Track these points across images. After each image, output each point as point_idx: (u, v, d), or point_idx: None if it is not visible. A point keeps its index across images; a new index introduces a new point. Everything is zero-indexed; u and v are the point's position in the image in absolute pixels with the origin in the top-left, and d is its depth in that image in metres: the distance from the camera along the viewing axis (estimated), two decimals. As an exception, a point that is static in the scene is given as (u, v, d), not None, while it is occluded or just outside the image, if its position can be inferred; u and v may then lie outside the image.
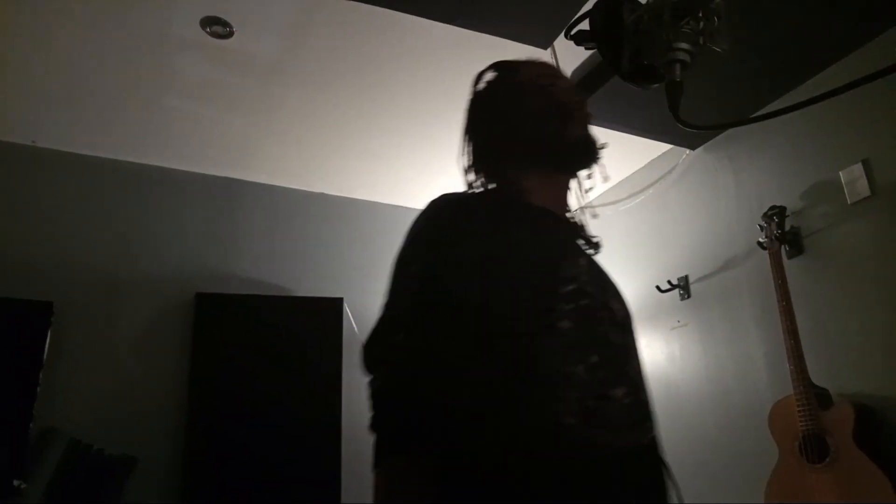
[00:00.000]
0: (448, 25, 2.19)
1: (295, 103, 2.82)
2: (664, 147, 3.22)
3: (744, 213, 2.80)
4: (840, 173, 2.43)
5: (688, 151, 3.16)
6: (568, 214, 1.06)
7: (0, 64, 2.46)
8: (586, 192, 1.08)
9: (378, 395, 0.84)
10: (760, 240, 2.56)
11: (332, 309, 3.19)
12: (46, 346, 2.62)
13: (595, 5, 0.89)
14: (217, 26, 2.28)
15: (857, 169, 2.37)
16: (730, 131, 2.95)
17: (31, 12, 2.21)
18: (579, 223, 1.06)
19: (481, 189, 1.03)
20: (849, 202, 2.39)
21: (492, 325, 0.85)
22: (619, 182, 3.45)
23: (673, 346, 3.05)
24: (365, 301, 3.33)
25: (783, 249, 2.51)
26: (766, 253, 2.50)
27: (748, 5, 2.08)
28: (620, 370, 0.86)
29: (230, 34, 2.33)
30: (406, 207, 3.66)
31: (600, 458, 0.79)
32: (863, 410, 2.14)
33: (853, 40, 2.32)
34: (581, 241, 1.02)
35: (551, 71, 1.05)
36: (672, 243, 3.13)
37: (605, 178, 1.07)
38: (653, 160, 3.32)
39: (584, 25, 0.95)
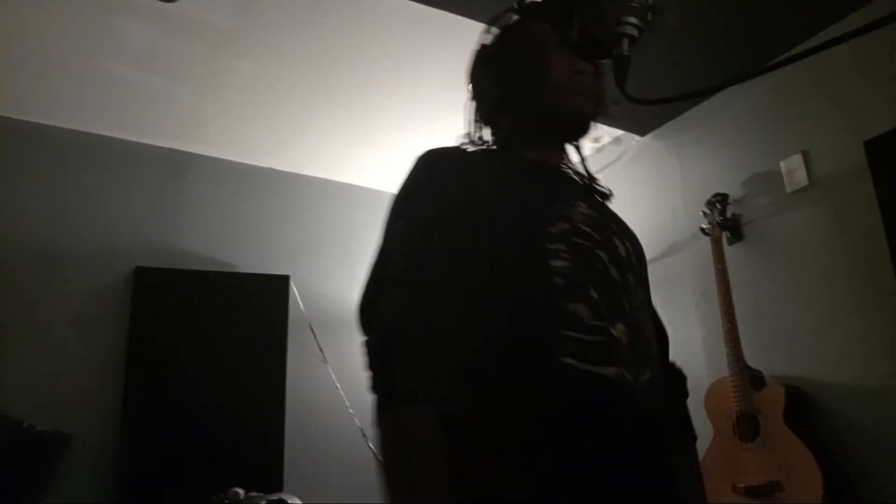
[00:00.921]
0: (408, 1, 2.16)
1: (245, 75, 2.74)
2: (614, 133, 3.26)
3: (688, 200, 2.86)
4: (780, 163, 2.51)
5: (637, 138, 3.21)
6: (569, 167, 1.07)
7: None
8: (581, 155, 1.11)
9: (376, 354, 0.81)
10: (703, 226, 2.63)
11: (277, 286, 3.13)
12: (-27, 318, 2.49)
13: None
14: (161, -12, 2.18)
15: (797, 159, 2.45)
16: (676, 120, 3.01)
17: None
18: (582, 174, 1.07)
19: (475, 146, 1.05)
20: (788, 191, 2.47)
21: (487, 270, 0.85)
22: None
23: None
24: (312, 279, 3.29)
25: (724, 236, 2.58)
26: (708, 239, 2.57)
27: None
28: (619, 306, 0.86)
29: (175, -3, 2.23)
30: (356, 186, 3.62)
31: (602, 393, 0.79)
32: (793, 392, 2.24)
33: (804, 32, 2.37)
34: (581, 190, 1.02)
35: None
36: (619, 228, 3.19)
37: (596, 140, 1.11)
38: (603, 146, 3.37)
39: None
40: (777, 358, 2.41)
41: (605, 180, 1.12)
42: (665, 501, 0.81)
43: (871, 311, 2.18)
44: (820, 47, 0.64)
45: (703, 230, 2.62)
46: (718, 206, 2.60)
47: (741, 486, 2.18)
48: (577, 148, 1.10)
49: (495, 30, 1.07)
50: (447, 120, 2.82)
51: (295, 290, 3.18)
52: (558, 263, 0.83)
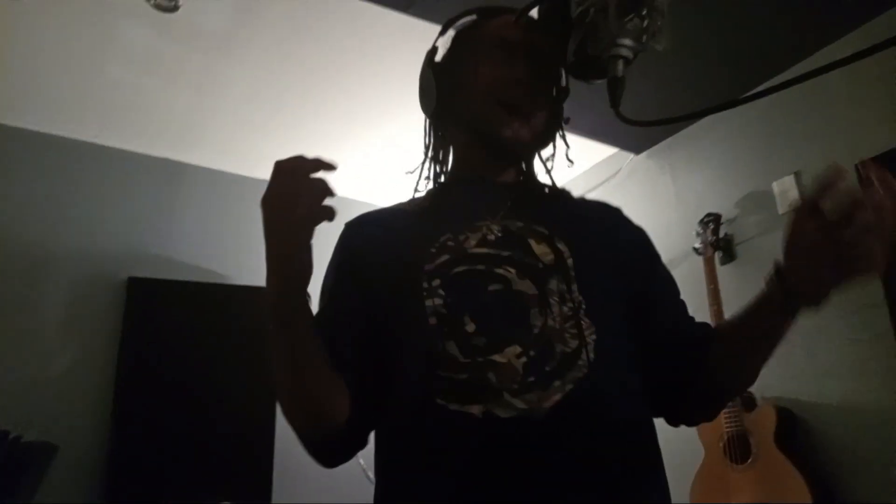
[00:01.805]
0: (402, 14, 2.17)
1: (243, 83, 2.74)
2: (609, 151, 3.28)
3: (681, 219, 2.88)
4: (773, 184, 2.53)
5: (632, 156, 3.23)
6: (516, 178, 1.01)
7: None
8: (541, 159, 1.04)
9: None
10: (696, 245, 2.64)
11: (271, 298, 3.11)
12: (-38, 326, 2.47)
13: (542, -5, 0.89)
14: (161, -1, 2.19)
15: (789, 181, 2.47)
16: (671, 139, 3.03)
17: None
18: (529, 184, 1.01)
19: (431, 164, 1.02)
20: (780, 212, 2.49)
21: (374, 323, 0.87)
22: (564, 184, 3.48)
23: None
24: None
25: (717, 256, 2.59)
26: (700, 258, 2.58)
27: (693, 10, 2.13)
28: (519, 326, 0.79)
29: (175, 7, 2.24)
30: (353, 200, 3.62)
31: (480, 433, 0.74)
32: (784, 413, 2.24)
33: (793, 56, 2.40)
34: (509, 204, 0.93)
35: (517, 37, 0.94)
36: (613, 246, 3.20)
37: (547, 170, 1.05)
38: (597, 163, 3.38)
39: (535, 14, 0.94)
40: (768, 379, 2.41)
41: (598, 197, 1.09)
42: None
43: (860, 332, 2.19)
44: (814, 73, 0.65)
45: (695, 250, 2.63)
46: (711, 225, 2.61)
47: (732, 507, 2.17)
48: (527, 163, 1.03)
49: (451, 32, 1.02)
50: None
51: (288, 302, 3.16)
52: (433, 302, 0.81)
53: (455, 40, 1.00)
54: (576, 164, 1.07)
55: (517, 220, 0.89)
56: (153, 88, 2.76)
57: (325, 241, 0.82)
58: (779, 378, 2.39)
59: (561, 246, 0.87)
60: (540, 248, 0.86)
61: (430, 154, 1.02)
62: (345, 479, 3.03)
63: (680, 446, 2.63)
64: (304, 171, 0.70)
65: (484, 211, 0.91)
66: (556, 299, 0.82)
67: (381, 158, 3.30)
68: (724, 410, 2.26)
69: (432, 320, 0.80)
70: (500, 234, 0.87)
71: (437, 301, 0.81)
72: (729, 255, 2.64)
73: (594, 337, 0.81)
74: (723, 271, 2.58)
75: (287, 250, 0.71)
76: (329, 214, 0.69)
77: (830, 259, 0.70)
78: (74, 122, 2.97)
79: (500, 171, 0.99)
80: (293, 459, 2.98)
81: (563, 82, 0.99)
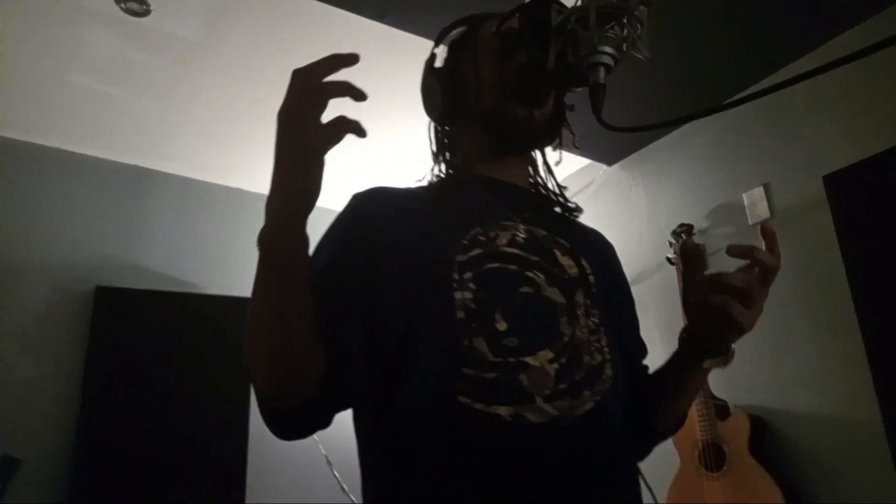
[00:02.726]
0: (377, 23, 2.17)
1: (213, 91, 2.71)
2: (583, 162, 3.31)
3: (654, 230, 2.91)
4: (743, 195, 2.57)
5: (604, 167, 3.26)
6: (536, 180, 1.02)
7: None
8: (545, 166, 1.04)
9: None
10: (669, 255, 2.67)
11: (242, 309, 3.01)
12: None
13: (523, 5, 0.89)
14: (132, 2, 2.16)
15: (759, 192, 2.52)
16: (643, 151, 3.07)
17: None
18: (541, 190, 1.02)
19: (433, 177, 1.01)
20: (750, 223, 2.53)
21: (383, 305, 0.81)
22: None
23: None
24: (278, 302, 3.23)
25: (689, 266, 2.62)
26: (673, 268, 2.61)
27: (676, 20, 2.17)
28: (549, 332, 0.78)
29: (147, 12, 2.21)
30: (325, 209, 3.58)
31: (507, 437, 0.72)
32: (757, 421, 2.27)
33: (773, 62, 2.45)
34: (529, 208, 0.94)
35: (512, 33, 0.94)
36: (587, 256, 3.22)
37: (557, 162, 1.04)
38: (571, 174, 3.41)
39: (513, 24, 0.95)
40: (741, 387, 2.45)
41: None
42: None
43: (829, 341, 2.23)
44: (777, 87, 0.66)
45: (668, 259, 2.67)
46: (683, 235, 2.65)
47: (705, 515, 2.19)
48: (537, 157, 1.04)
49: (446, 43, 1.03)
50: (419, 142, 2.83)
51: (260, 312, 3.12)
52: (462, 295, 0.78)
53: (452, 45, 1.01)
54: (540, 156, 1.06)
55: (540, 228, 0.89)
56: (123, 95, 2.71)
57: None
58: (750, 387, 2.42)
59: (584, 262, 0.89)
60: (565, 260, 0.87)
61: (438, 157, 1.01)
62: (317, 490, 3.00)
63: (655, 455, 2.65)
64: (319, 77, 0.66)
65: (508, 211, 0.90)
66: (582, 311, 0.84)
67: (355, 167, 3.28)
68: (698, 418, 2.29)
69: (460, 314, 0.77)
70: (527, 238, 0.86)
71: (467, 295, 0.78)
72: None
73: (610, 355, 0.84)
74: (695, 281, 2.61)
75: (295, 169, 0.66)
76: (341, 130, 0.66)
77: (714, 317, 0.79)
78: (41, 128, 2.90)
79: (513, 168, 0.98)
80: (266, 473, 2.93)
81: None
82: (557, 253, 0.87)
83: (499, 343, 0.76)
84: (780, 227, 2.41)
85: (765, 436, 2.28)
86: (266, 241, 0.70)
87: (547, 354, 0.76)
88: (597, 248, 1.00)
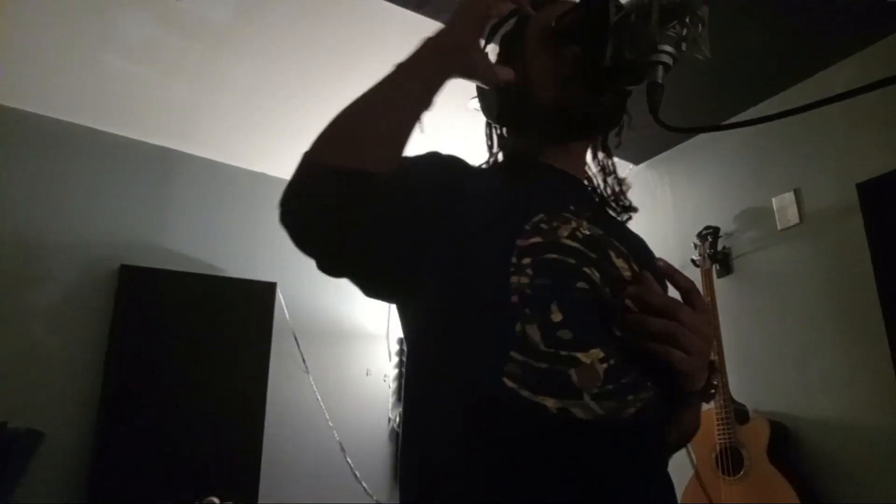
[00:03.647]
0: (412, 13, 2.17)
1: (244, 75, 2.71)
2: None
3: (679, 231, 2.89)
4: (772, 200, 2.55)
5: (631, 166, 3.24)
6: (588, 176, 1.01)
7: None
8: (601, 156, 1.03)
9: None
10: (693, 257, 2.65)
11: (264, 293, 3.10)
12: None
13: (581, 1, 0.88)
14: (170, -14, 2.16)
15: (789, 197, 2.49)
16: (671, 151, 3.05)
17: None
18: (600, 186, 1.01)
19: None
20: (778, 228, 2.51)
21: (450, 283, 0.80)
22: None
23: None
24: (298, 288, 3.25)
25: (714, 268, 2.61)
26: (698, 270, 2.59)
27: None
28: (602, 332, 0.77)
29: (183, -5, 2.22)
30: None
31: (550, 429, 0.71)
32: (777, 427, 2.25)
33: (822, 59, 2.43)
34: (589, 203, 0.93)
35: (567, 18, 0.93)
36: (609, 254, 3.22)
37: (617, 145, 1.03)
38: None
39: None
40: (762, 392, 2.43)
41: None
42: None
43: (854, 347, 2.21)
44: (820, 103, 0.65)
45: (693, 261, 2.65)
46: (709, 238, 2.63)
47: (722, 518, 2.18)
48: (603, 146, 1.03)
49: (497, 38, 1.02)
50: (445, 133, 2.83)
51: (281, 297, 3.14)
52: (518, 280, 0.77)
53: (504, 40, 1.00)
54: (600, 149, 1.06)
55: (598, 227, 0.88)
56: (153, 77, 2.73)
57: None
58: (772, 392, 2.41)
59: (635, 267, 0.88)
60: (620, 263, 0.86)
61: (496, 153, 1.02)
62: (331, 476, 3.02)
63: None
64: None
65: (571, 204, 0.89)
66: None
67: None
68: (716, 422, 2.28)
69: (514, 298, 0.76)
70: (588, 234, 0.85)
71: (524, 280, 0.77)
72: (726, 269, 2.66)
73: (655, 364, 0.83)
74: (720, 284, 2.60)
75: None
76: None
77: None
78: (72, 106, 2.92)
79: (574, 159, 0.98)
80: (281, 455, 2.96)
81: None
82: (612, 254, 0.86)
83: (553, 334, 0.75)
84: (808, 233, 2.41)
85: (785, 442, 2.27)
86: (446, 35, 0.84)
87: (598, 353, 0.75)
88: (643, 256, 0.98)
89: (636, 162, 3.21)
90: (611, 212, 1.03)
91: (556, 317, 0.76)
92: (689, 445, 0.98)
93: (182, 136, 3.18)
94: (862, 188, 2.25)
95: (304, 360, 3.17)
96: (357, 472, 3.09)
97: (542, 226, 0.83)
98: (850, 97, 0.66)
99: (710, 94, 2.53)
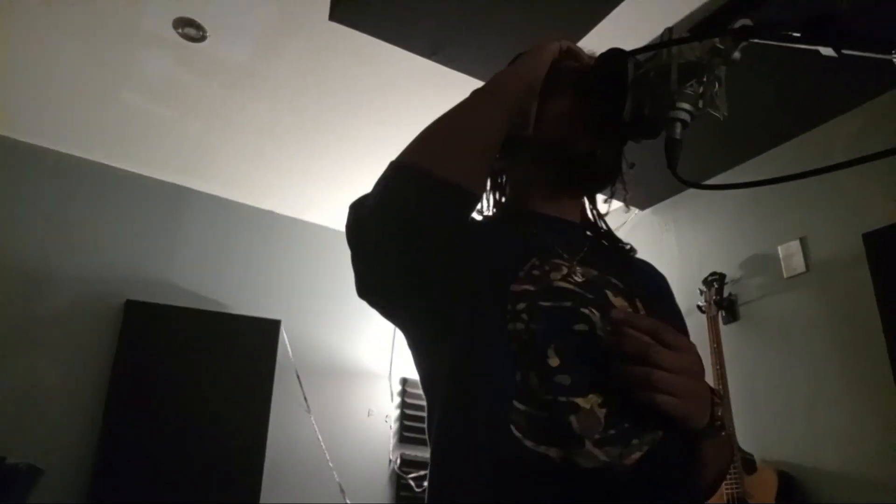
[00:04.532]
0: (423, 59, 2.21)
1: (255, 115, 2.77)
2: (614, 205, 3.31)
3: (685, 277, 2.89)
4: (778, 248, 2.56)
5: (636, 211, 3.27)
6: (593, 220, 1.02)
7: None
8: (596, 210, 1.04)
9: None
10: (699, 304, 2.65)
11: (268, 331, 3.09)
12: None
13: (601, 56, 0.90)
14: (190, 28, 2.22)
15: (795, 245, 2.51)
16: (676, 197, 3.08)
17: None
18: (595, 230, 1.02)
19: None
20: (784, 276, 2.52)
21: (453, 333, 0.81)
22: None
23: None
24: (303, 326, 3.25)
25: (720, 315, 2.60)
26: (703, 317, 2.59)
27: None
28: (601, 375, 0.76)
29: (203, 38, 2.27)
30: (333, 229, 3.60)
31: (557, 481, 0.70)
32: (785, 478, 2.22)
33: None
34: (585, 247, 0.93)
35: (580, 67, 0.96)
36: (614, 298, 3.21)
37: (606, 200, 1.04)
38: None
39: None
40: (769, 441, 2.41)
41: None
42: None
43: (863, 398, 2.19)
44: (831, 168, 0.67)
45: (699, 307, 2.65)
46: (715, 284, 2.63)
47: (730, 572, 2.14)
48: (591, 198, 1.04)
49: None
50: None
51: (285, 335, 3.13)
52: (515, 326, 0.78)
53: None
54: (592, 196, 1.07)
55: (592, 268, 0.88)
56: (168, 115, 2.78)
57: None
58: (780, 441, 2.38)
59: (638, 303, 0.87)
60: (618, 301, 0.85)
61: (490, 192, 1.02)
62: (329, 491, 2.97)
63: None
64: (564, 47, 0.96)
65: (564, 248, 0.90)
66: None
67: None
68: (724, 472, 2.25)
69: (512, 345, 0.77)
70: (582, 276, 0.86)
71: (520, 326, 0.78)
72: (732, 315, 2.65)
73: None
74: (725, 331, 2.59)
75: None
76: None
77: None
78: (85, 142, 2.97)
79: (566, 208, 0.98)
80: (280, 495, 2.91)
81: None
82: (609, 293, 0.85)
83: (551, 380, 0.75)
84: (815, 282, 2.41)
85: (793, 493, 2.23)
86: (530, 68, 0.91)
87: (597, 398, 0.74)
88: (652, 284, 0.98)
89: (641, 207, 3.23)
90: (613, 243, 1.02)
91: (554, 361, 0.76)
92: None
93: (192, 173, 3.22)
94: (868, 238, 2.26)
95: (305, 399, 3.15)
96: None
97: (535, 272, 0.83)
98: (858, 164, 0.69)
99: (719, 141, 2.57)
